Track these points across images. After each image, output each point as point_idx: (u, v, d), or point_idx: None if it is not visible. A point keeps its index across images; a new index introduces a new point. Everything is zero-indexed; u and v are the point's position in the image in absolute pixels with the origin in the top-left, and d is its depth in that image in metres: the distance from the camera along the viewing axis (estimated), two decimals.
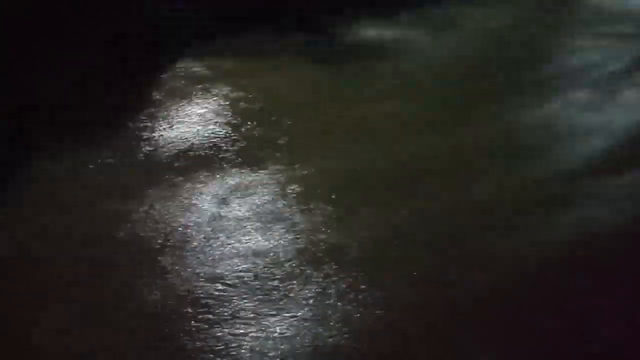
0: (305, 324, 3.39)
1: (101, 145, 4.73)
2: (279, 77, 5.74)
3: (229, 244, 3.90)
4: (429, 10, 6.80)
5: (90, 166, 4.56)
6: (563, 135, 4.99)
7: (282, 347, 3.27)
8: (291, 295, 3.55)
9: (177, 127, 5.01)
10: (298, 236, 3.95)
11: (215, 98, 5.39)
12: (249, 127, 5.03)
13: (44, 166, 4.53)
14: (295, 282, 3.64)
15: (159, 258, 3.81)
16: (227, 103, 5.33)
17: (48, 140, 4.75)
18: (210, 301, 3.52)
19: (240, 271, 3.71)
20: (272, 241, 3.91)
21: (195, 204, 4.22)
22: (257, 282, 3.64)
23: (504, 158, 4.69)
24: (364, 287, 3.59)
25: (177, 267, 3.74)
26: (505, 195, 4.29)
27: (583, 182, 4.42)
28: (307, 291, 3.57)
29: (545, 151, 4.77)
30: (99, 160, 4.60)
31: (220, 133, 4.96)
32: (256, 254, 3.82)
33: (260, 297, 3.55)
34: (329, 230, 3.99)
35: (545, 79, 5.73)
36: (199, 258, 3.80)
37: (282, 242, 3.91)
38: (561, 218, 4.11)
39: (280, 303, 3.50)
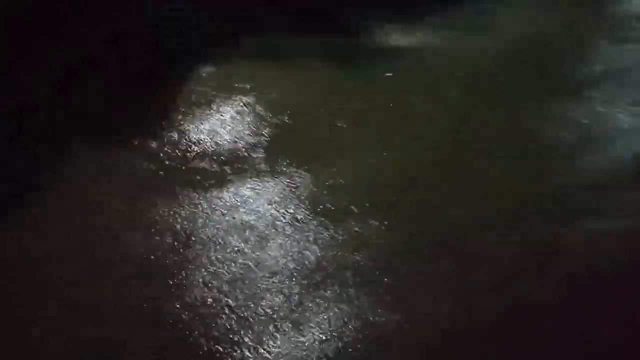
0: None
1: (102, 147, 4.72)
2: (291, 82, 5.56)
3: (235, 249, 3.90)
4: (462, 11, 6.49)
5: (90, 168, 4.54)
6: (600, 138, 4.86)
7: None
8: None
9: (179, 131, 4.95)
10: None
11: (224, 108, 5.24)
12: (258, 139, 4.91)
13: (43, 168, 4.52)
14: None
15: (166, 263, 3.80)
16: (239, 113, 5.19)
17: (47, 141, 4.75)
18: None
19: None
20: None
21: (202, 208, 4.20)
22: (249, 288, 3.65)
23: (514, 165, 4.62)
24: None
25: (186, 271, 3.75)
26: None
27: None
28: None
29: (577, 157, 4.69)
30: (100, 163, 4.58)
31: (229, 143, 4.87)
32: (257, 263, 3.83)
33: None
34: None
35: (582, 83, 5.50)
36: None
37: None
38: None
39: None
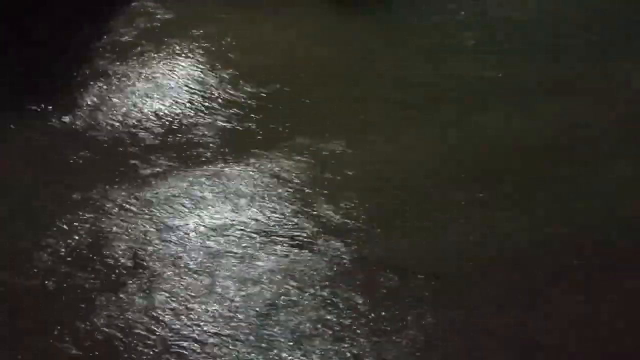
0: None
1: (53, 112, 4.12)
2: (265, 27, 4.98)
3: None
4: None
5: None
6: None
7: None
8: None
9: (136, 96, 4.32)
10: None
11: (202, 53, 4.66)
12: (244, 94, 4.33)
13: None
14: None
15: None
16: (220, 60, 4.59)
17: None
18: None
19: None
20: None
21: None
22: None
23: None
24: None
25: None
26: None
27: None
28: None
29: None
30: (52, 134, 4.03)
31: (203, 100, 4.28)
32: None
33: None
34: None
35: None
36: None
37: None
38: None
39: None
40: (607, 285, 3.14)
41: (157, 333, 2.87)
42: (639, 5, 5.37)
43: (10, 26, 4.75)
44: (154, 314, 2.93)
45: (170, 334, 2.87)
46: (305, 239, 3.31)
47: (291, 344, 2.82)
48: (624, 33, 5.03)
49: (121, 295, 3.03)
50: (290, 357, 2.77)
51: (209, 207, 3.50)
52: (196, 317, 2.94)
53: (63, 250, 3.25)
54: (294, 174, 3.70)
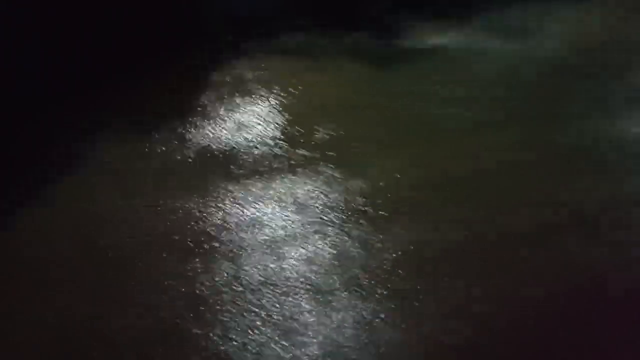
0: None
1: (145, 144, 4.79)
2: (327, 79, 5.65)
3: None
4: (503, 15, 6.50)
5: (136, 166, 4.63)
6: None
7: None
8: None
9: (223, 129, 5.03)
10: None
11: (263, 100, 5.38)
12: (294, 132, 4.95)
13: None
14: None
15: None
16: (276, 106, 5.28)
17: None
18: None
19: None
20: None
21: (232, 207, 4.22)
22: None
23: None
24: None
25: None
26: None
27: None
28: None
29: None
30: (146, 161, 4.66)
31: (267, 134, 4.93)
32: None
33: None
34: None
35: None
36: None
37: None
38: None
39: None
40: None
41: None
42: None
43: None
44: None
45: None
46: None
47: None
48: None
49: None
50: None
51: None
52: None
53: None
54: None
